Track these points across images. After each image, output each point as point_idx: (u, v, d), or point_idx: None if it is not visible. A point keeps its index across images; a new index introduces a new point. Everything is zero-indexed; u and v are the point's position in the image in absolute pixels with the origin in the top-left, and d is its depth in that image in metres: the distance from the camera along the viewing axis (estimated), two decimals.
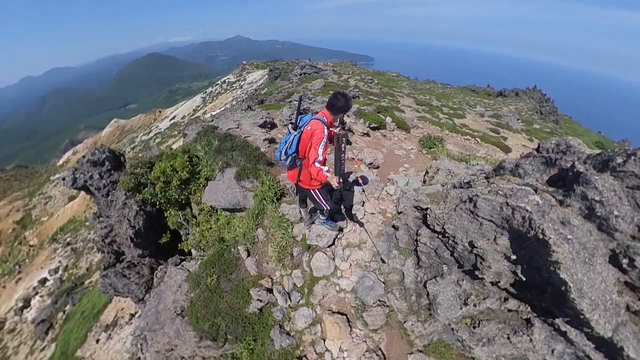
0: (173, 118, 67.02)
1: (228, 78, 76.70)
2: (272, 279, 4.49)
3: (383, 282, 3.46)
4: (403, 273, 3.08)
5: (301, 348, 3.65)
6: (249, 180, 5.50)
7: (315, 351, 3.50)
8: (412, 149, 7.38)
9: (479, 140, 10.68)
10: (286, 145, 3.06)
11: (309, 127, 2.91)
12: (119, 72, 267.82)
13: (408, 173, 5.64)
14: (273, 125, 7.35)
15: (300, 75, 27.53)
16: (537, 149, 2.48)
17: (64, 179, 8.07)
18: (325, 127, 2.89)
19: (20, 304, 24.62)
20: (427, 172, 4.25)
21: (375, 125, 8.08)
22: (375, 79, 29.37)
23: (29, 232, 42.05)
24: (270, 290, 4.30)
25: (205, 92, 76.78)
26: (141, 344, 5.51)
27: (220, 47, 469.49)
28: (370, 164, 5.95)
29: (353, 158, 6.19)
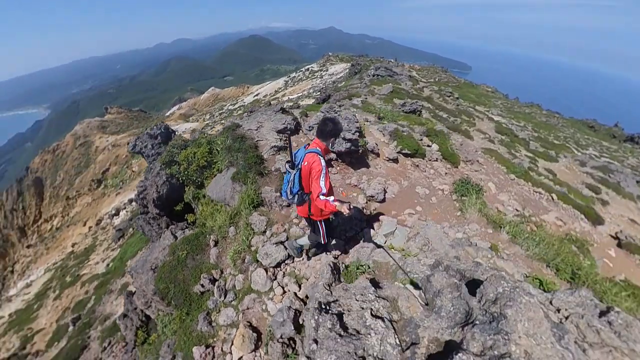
0: (257, 95, 73.88)
1: (312, 66, 79.74)
2: (222, 272, 5.03)
3: (294, 324, 3.28)
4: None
5: (214, 339, 4.10)
6: (239, 183, 5.85)
7: (222, 349, 3.87)
8: (442, 189, 6.08)
9: (554, 197, 8.22)
10: (289, 185, 3.08)
11: (306, 163, 2.91)
12: (226, 48, 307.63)
13: (409, 220, 4.63)
14: (294, 131, 7.05)
15: (373, 76, 26.30)
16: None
17: (128, 143, 9.66)
18: (320, 157, 2.87)
19: (113, 212, 32.38)
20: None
21: (409, 152, 6.95)
22: (457, 92, 25.86)
23: (134, 161, 53.64)
24: (213, 282, 4.88)
25: (289, 76, 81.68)
26: (132, 277, 6.65)
27: (312, 36, 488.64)
28: (371, 197, 5.12)
29: (356, 185, 5.43)
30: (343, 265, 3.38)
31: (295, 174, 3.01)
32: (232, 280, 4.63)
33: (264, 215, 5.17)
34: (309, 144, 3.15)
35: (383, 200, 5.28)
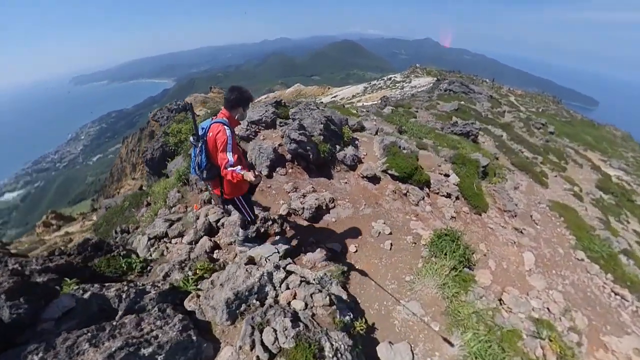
0: (335, 96, 75.64)
1: (395, 76, 76.90)
2: (137, 229, 5.37)
3: None
4: None
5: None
6: (184, 160, 6.12)
7: None
8: (420, 235, 4.02)
9: (637, 303, 4.80)
10: (197, 160, 2.81)
11: (211, 134, 2.71)
12: (319, 49, 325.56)
13: (308, 258, 3.03)
14: (270, 125, 5.92)
15: (445, 91, 22.83)
16: None
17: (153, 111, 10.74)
18: (226, 127, 2.68)
19: None
20: None
21: (397, 174, 4.96)
22: (556, 127, 19.94)
23: None
24: (124, 233, 5.43)
25: (370, 83, 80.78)
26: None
27: (405, 46, 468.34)
28: (294, 210, 3.71)
29: (288, 192, 4.01)
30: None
31: (200, 147, 2.73)
32: (134, 238, 4.84)
33: (180, 193, 5.15)
34: (215, 115, 2.94)
35: (313, 220, 3.82)
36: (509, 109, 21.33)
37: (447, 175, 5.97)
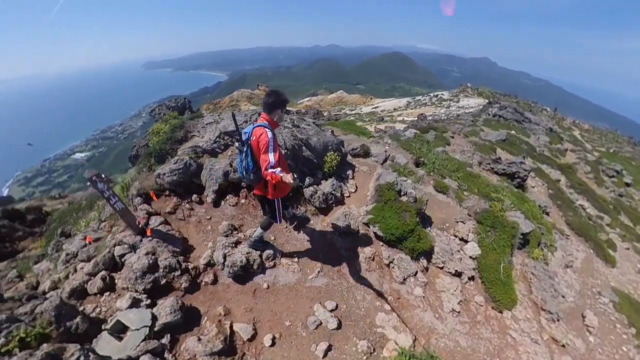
0: (376, 107, 73.96)
1: (442, 94, 72.94)
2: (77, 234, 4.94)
3: None
4: None
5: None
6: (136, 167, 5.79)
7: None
8: (384, 338, 2.56)
9: None
10: (243, 164, 2.91)
11: (254, 137, 2.79)
12: (367, 59, 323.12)
13: (190, 348, 1.85)
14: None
15: (493, 116, 19.90)
16: None
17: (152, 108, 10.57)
18: (267, 129, 2.73)
19: None
20: None
21: (382, 235, 3.44)
22: (630, 174, 15.96)
23: None
24: (63, 236, 5.13)
25: (414, 98, 77.69)
26: None
27: (459, 64, 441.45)
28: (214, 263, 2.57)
29: (219, 232, 2.89)
30: None
31: (246, 151, 2.83)
32: (72, 240, 4.38)
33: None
34: (256, 120, 3.04)
35: (239, 280, 2.87)
36: (572, 147, 17.81)
37: (463, 241, 4.30)
